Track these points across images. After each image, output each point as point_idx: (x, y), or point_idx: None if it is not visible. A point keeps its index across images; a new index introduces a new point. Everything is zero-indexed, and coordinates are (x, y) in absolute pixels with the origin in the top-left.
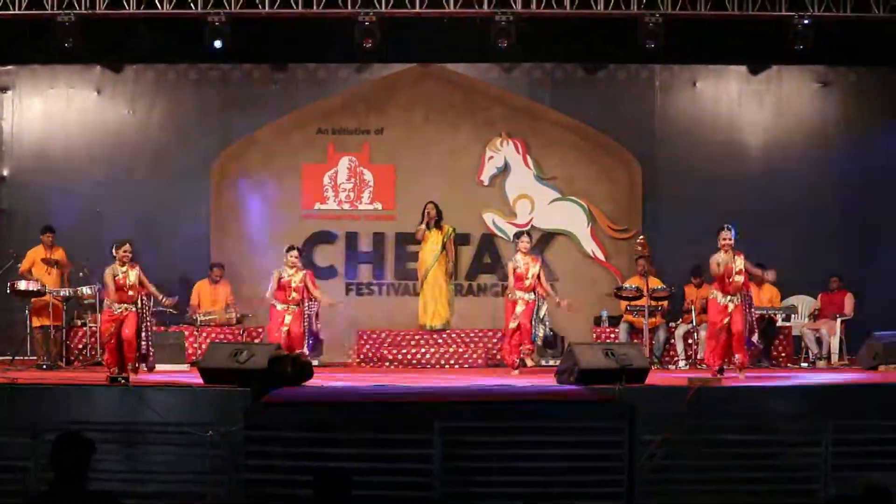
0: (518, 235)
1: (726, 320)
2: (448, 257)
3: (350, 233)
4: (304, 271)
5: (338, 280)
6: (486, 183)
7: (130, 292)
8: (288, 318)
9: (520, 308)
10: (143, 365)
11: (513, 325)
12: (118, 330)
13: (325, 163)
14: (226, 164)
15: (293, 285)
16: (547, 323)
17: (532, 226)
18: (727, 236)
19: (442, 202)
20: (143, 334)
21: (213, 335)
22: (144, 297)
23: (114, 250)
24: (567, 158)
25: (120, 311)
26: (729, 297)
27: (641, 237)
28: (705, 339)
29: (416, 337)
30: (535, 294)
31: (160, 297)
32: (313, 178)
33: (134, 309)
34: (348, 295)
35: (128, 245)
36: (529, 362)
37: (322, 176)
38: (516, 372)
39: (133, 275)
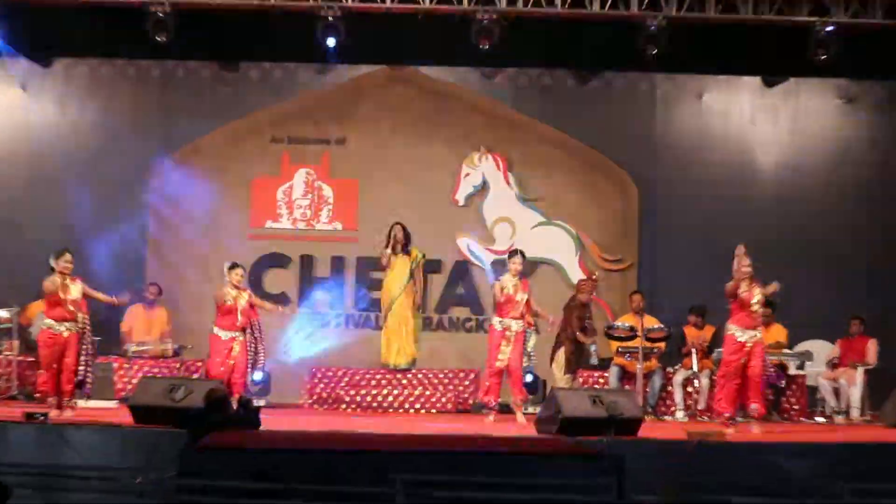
0: (512, 255)
1: (743, 360)
2: (416, 286)
3: (305, 256)
4: (248, 291)
5: (289, 309)
6: (461, 203)
7: (72, 308)
8: (236, 349)
9: (506, 347)
10: (77, 392)
11: (500, 363)
12: (61, 354)
13: (279, 175)
14: (167, 173)
15: (239, 308)
16: (532, 359)
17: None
18: (747, 262)
19: (410, 223)
20: (83, 357)
21: (146, 368)
22: (86, 316)
23: (53, 261)
24: (554, 177)
25: (61, 331)
26: (749, 334)
27: (594, 276)
28: (717, 381)
29: (378, 376)
30: (523, 323)
31: (112, 299)
32: (265, 192)
33: (76, 329)
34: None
35: (68, 255)
36: (522, 418)
37: (275, 190)
38: (491, 418)
39: (76, 289)
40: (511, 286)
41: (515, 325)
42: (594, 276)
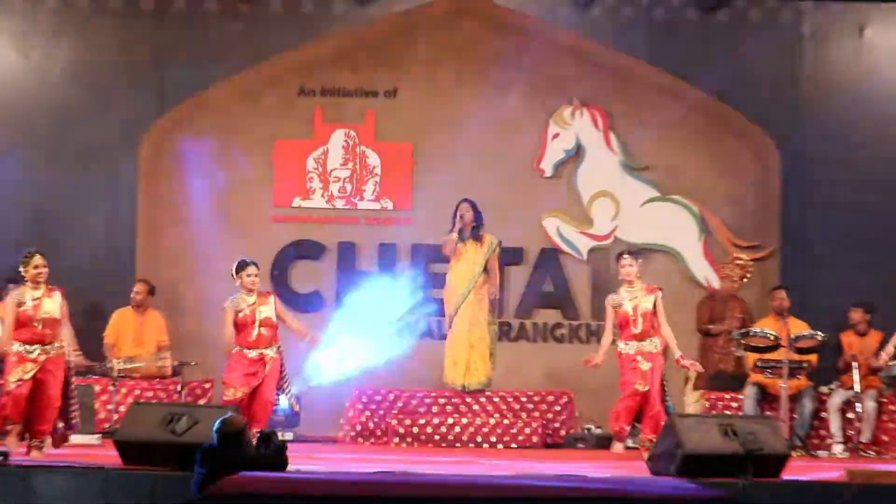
0: (619, 258)
1: None
2: (491, 283)
3: (345, 243)
4: (271, 295)
5: (324, 314)
6: (547, 173)
7: (46, 329)
8: (263, 369)
9: (645, 365)
10: (59, 429)
11: (640, 386)
12: (34, 389)
13: (311, 138)
14: (162, 137)
15: (258, 319)
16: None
17: (615, 237)
18: None
19: (482, 201)
20: (69, 388)
21: (137, 392)
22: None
23: (22, 268)
24: (670, 139)
25: (34, 355)
26: None
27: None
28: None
29: (441, 401)
30: (657, 341)
31: None
32: (292, 160)
33: (53, 353)
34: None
35: (39, 257)
36: (620, 447)
37: (305, 157)
38: (620, 447)
39: (53, 302)
40: (628, 301)
41: (650, 346)
42: (740, 260)
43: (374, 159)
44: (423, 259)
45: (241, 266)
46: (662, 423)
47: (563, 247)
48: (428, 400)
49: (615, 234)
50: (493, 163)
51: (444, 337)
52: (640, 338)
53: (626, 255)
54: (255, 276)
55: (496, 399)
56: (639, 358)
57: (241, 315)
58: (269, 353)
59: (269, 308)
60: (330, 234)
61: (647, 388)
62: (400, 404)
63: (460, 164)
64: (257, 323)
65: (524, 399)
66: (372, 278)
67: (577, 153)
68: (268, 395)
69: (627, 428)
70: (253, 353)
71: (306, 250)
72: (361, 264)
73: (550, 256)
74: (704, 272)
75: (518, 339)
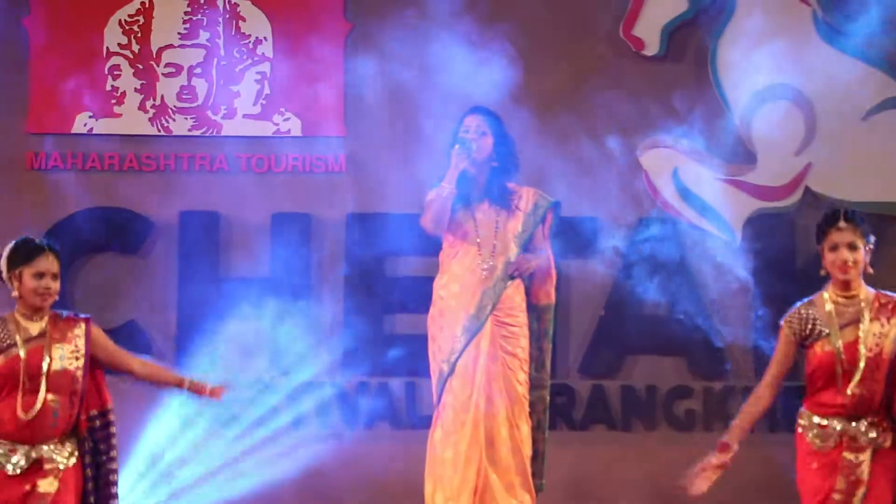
0: (829, 221)
1: None
2: (541, 290)
3: (194, 214)
4: (84, 321)
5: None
6: (652, 47)
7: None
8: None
9: (857, 462)
10: None
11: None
12: None
13: None
14: None
15: (44, 371)
16: None
17: (807, 190)
18: None
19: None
20: None
21: None
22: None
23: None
24: None
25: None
26: None
27: None
28: None
29: None
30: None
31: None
32: (71, 32)
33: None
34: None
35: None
36: None
37: (102, 26)
38: None
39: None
40: (840, 326)
41: (866, 433)
42: None
43: (258, 23)
44: (372, 245)
45: (26, 252)
46: None
47: (690, 213)
48: None
49: (806, 183)
50: (532, 33)
51: (420, 422)
52: (854, 409)
53: (844, 220)
54: (52, 275)
55: None
56: (844, 455)
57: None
58: (58, 459)
59: (70, 351)
60: (164, 194)
61: None
62: None
63: (455, 34)
64: (43, 379)
65: None
66: (253, 289)
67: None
68: None
69: None
70: (12, 463)
71: (112, 228)
72: (234, 257)
73: (663, 235)
74: None
75: (591, 423)
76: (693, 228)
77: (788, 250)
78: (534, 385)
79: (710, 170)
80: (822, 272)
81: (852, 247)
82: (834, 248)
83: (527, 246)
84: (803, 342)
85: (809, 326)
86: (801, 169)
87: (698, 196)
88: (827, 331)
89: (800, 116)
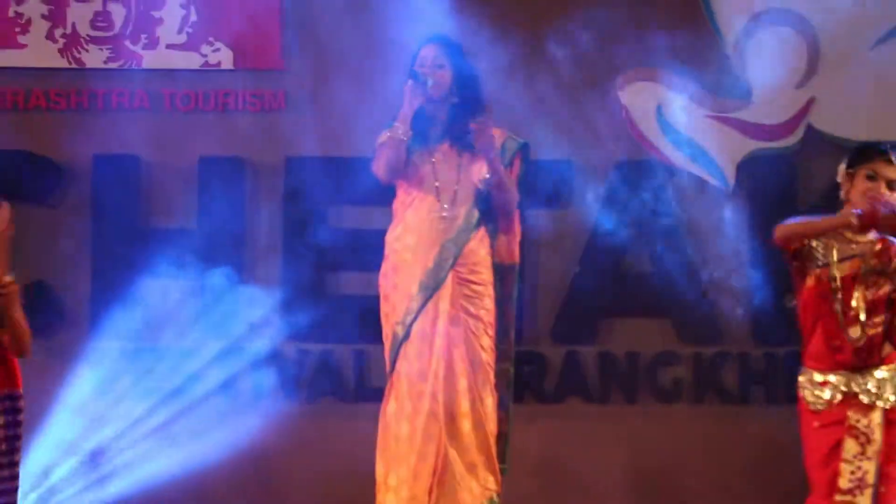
0: (876, 156)
1: None
2: (504, 245)
3: (110, 157)
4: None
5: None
6: None
7: None
8: None
9: (863, 423)
10: None
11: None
12: None
13: None
14: None
15: None
16: None
17: (809, 128)
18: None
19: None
20: None
21: None
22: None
23: None
24: None
25: None
26: None
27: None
28: None
29: None
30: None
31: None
32: None
33: None
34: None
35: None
36: None
37: None
38: None
39: None
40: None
41: (868, 394)
42: None
43: None
44: (314, 194)
45: None
46: None
47: (676, 155)
48: None
49: (808, 121)
50: None
51: (372, 394)
52: (860, 361)
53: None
54: None
55: None
56: (850, 415)
57: None
58: None
59: None
60: (76, 135)
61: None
62: None
63: None
64: None
65: None
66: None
67: None
68: None
69: None
70: None
71: (15, 174)
72: (156, 207)
73: (643, 182)
74: None
75: (564, 395)
76: (679, 172)
77: (788, 196)
78: (496, 348)
79: (699, 106)
80: (843, 195)
81: (892, 185)
82: (872, 177)
83: (492, 201)
84: (795, 255)
85: (808, 245)
86: (802, 104)
87: (685, 135)
88: (825, 261)
89: (801, 45)
